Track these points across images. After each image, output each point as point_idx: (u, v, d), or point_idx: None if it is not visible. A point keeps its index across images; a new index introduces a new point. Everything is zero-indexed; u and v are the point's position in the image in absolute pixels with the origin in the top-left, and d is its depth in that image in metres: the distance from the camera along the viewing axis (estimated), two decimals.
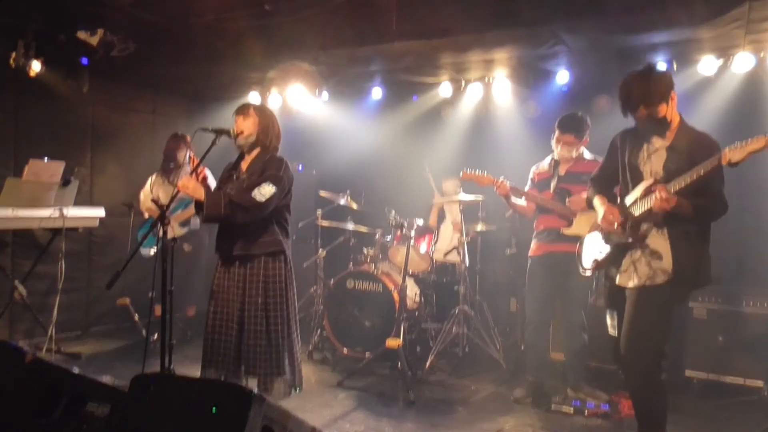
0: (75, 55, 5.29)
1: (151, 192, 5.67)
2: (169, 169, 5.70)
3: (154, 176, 5.75)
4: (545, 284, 4.41)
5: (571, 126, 4.31)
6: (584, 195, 4.09)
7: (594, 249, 3.40)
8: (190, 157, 5.67)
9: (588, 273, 3.51)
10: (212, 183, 4.82)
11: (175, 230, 5.41)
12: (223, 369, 3.58)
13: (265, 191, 3.46)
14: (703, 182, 2.88)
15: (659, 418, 3.13)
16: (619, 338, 3.22)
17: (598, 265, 3.35)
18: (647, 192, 3.04)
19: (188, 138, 5.72)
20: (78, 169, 5.56)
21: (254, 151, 3.68)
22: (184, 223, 5.47)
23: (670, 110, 3.04)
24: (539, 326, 4.50)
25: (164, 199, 5.63)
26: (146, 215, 5.67)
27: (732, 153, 2.68)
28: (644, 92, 2.98)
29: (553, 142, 4.41)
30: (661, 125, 3.07)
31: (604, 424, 4.03)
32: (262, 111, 3.70)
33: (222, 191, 3.52)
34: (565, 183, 4.37)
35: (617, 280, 3.22)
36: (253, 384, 3.53)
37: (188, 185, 3.44)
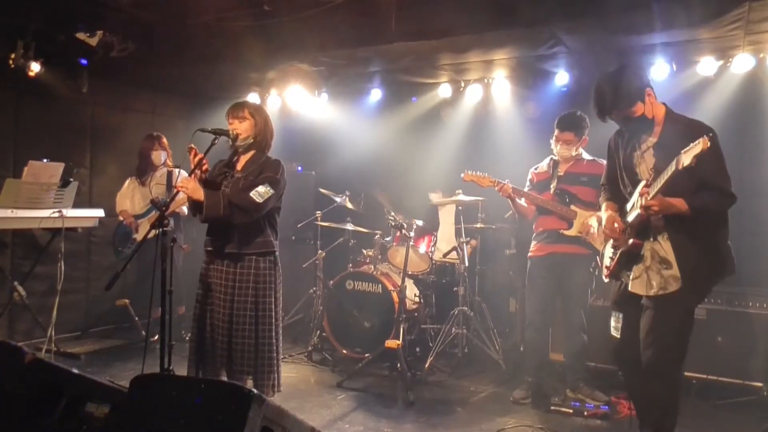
0: (74, 55, 5.29)
1: (127, 196, 5.67)
2: (143, 170, 5.68)
3: (130, 179, 5.73)
4: (546, 285, 4.42)
5: (570, 124, 4.32)
6: (587, 213, 4.11)
7: (606, 256, 3.38)
8: (165, 160, 5.67)
9: (607, 280, 3.48)
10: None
11: (145, 231, 5.41)
12: (211, 368, 3.57)
13: (263, 192, 3.47)
14: (696, 180, 2.84)
15: (670, 423, 3.09)
16: (621, 340, 3.20)
17: (610, 272, 3.31)
18: (640, 196, 3.01)
19: (164, 139, 5.69)
20: (77, 170, 5.56)
21: (250, 152, 3.68)
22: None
23: (648, 107, 3.00)
24: (540, 327, 4.50)
25: (140, 202, 5.64)
26: (120, 218, 5.66)
27: (685, 157, 2.66)
28: (615, 96, 2.95)
29: (553, 141, 4.42)
30: (641, 123, 3.03)
31: (604, 424, 4.03)
32: (256, 110, 3.69)
33: (221, 192, 3.52)
34: (564, 184, 4.38)
35: (630, 287, 3.17)
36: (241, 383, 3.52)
37: (188, 186, 3.44)
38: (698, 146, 2.60)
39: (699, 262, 2.98)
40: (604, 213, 3.32)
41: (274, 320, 3.63)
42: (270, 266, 3.64)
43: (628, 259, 3.18)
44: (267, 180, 3.52)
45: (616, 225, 3.20)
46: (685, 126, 2.98)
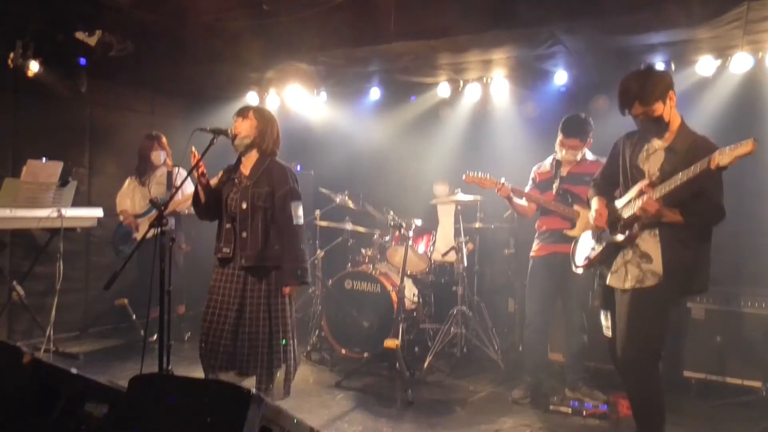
0: (73, 55, 5.30)
1: (127, 196, 5.66)
2: (142, 170, 5.67)
3: (129, 179, 5.73)
4: (547, 285, 4.41)
5: (576, 130, 4.27)
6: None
7: (587, 247, 3.42)
8: (165, 159, 5.67)
9: (580, 270, 3.52)
10: (188, 184, 4.79)
11: (145, 230, 5.41)
12: (223, 369, 3.57)
13: (299, 212, 3.59)
14: (697, 187, 2.88)
15: (657, 419, 3.13)
16: (614, 339, 3.22)
17: (589, 263, 3.36)
18: (640, 193, 3.05)
19: (163, 139, 5.68)
20: (76, 170, 5.55)
21: (252, 154, 3.66)
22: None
23: (667, 110, 3.03)
24: (539, 327, 4.49)
25: (140, 201, 5.63)
26: (120, 218, 5.65)
27: (721, 157, 2.69)
28: (640, 89, 2.99)
29: (557, 146, 4.38)
30: (658, 124, 3.06)
31: (603, 424, 4.03)
32: (261, 114, 3.68)
33: (289, 264, 3.56)
34: (567, 184, 4.35)
35: (608, 280, 3.23)
36: (251, 383, 3.53)
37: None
38: (746, 147, 2.62)
39: (682, 267, 3.03)
40: (595, 204, 3.35)
41: (287, 319, 3.63)
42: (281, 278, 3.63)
43: (612, 252, 3.22)
44: (294, 196, 3.59)
45: (601, 214, 3.25)
46: (694, 141, 3.03)
